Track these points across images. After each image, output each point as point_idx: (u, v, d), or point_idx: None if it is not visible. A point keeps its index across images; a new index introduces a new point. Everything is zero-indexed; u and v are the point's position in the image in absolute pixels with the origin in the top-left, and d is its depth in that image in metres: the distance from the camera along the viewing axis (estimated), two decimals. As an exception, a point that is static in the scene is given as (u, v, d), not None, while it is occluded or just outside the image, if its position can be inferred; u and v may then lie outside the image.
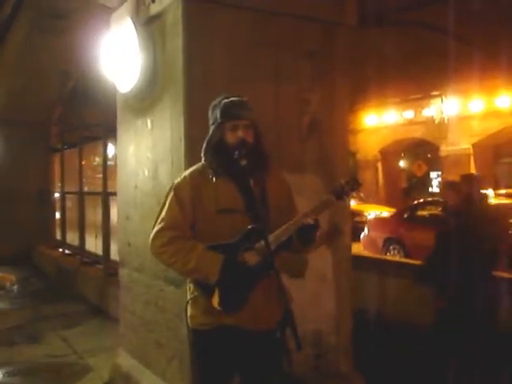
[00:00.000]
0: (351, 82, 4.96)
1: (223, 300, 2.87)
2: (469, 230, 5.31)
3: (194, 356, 3.18)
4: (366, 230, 13.96)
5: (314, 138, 4.64)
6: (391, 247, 12.85)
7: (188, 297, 3.05)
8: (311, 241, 3.01)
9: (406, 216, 13.41)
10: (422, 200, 14.63)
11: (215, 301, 2.86)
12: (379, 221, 14.72)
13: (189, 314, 3.04)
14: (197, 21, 4.09)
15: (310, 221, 2.88)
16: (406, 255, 12.04)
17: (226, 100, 3.02)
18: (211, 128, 3.05)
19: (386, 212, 17.82)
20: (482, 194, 6.17)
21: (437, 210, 12.03)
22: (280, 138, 4.39)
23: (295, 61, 4.55)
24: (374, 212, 17.91)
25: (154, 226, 3.04)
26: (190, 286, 3.06)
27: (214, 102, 3.08)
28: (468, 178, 6.01)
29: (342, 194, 2.98)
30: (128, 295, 5.09)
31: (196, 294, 2.96)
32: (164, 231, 2.96)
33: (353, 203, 18.90)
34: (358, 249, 12.29)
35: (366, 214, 17.61)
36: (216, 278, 2.83)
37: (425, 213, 13.22)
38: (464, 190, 5.66)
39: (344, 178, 3.06)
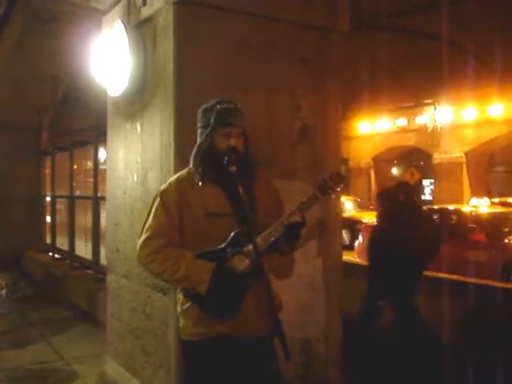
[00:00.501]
0: (344, 89, 4.93)
1: (216, 308, 2.84)
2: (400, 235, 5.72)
3: (185, 368, 3.14)
4: (360, 237, 13.93)
5: (305, 145, 4.60)
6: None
7: (178, 308, 3.01)
8: (296, 238, 2.97)
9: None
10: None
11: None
12: (371, 228, 14.67)
13: (180, 325, 3.00)
14: (188, 25, 4.05)
15: (298, 218, 2.85)
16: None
17: (219, 105, 2.98)
18: (200, 131, 3.02)
19: None
20: (417, 201, 6.56)
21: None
22: (271, 144, 4.36)
23: (288, 67, 4.51)
24: (372, 219, 17.74)
25: (140, 234, 3.00)
26: (179, 297, 3.01)
27: (205, 105, 3.04)
28: (403, 186, 6.29)
29: (326, 189, 2.93)
30: (115, 302, 5.02)
31: (187, 305, 2.92)
32: (151, 240, 2.93)
33: (351, 210, 18.67)
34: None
35: (364, 221, 17.42)
36: (206, 286, 2.79)
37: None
38: (399, 198, 5.92)
39: (326, 174, 3.01)
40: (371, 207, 20.51)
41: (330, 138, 4.78)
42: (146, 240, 2.94)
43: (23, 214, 13.01)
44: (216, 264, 2.82)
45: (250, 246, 2.79)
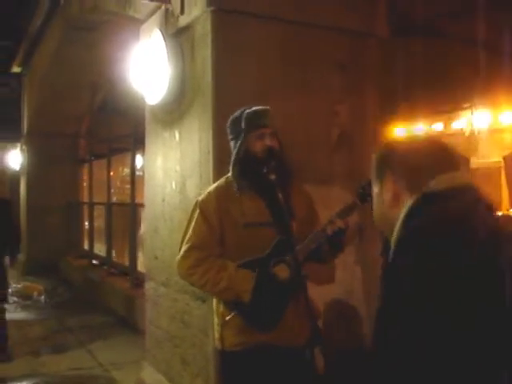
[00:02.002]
0: (381, 95, 4.88)
1: (259, 318, 2.83)
2: None
3: (223, 379, 3.12)
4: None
5: (343, 151, 4.56)
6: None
7: (217, 319, 2.99)
8: (340, 245, 2.95)
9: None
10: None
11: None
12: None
13: (219, 335, 2.96)
14: (226, 33, 4.06)
15: (341, 225, 2.81)
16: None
17: (248, 110, 2.98)
18: (233, 143, 3.02)
19: None
20: None
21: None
22: (309, 150, 4.33)
23: (325, 72, 4.49)
24: None
25: (181, 245, 3.00)
26: (218, 308, 2.99)
27: (232, 117, 3.05)
28: None
29: (365, 196, 2.87)
30: (154, 309, 5.04)
31: (229, 316, 2.89)
32: (191, 251, 2.92)
33: None
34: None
35: None
36: (249, 296, 2.78)
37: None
38: None
39: (364, 181, 2.97)
40: None
41: (367, 144, 4.72)
42: (186, 252, 2.93)
43: (61, 221, 13.17)
44: (258, 273, 2.80)
45: (291, 255, 2.77)
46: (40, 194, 12.92)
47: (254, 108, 2.99)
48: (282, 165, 2.92)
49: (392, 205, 1.68)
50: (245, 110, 2.99)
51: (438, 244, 1.47)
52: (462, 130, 22.32)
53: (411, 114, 22.02)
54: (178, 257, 2.97)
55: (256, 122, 2.94)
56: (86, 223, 12.80)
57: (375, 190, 1.77)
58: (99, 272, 10.74)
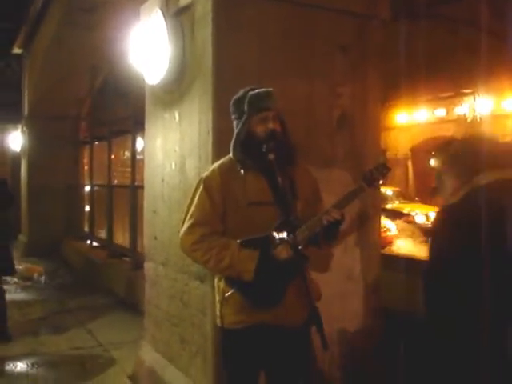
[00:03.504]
0: (383, 78, 4.86)
1: (260, 296, 2.85)
2: None
3: (222, 355, 3.14)
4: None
5: (344, 133, 4.55)
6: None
7: (218, 296, 3.01)
8: (335, 236, 2.99)
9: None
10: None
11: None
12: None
13: (219, 313, 2.99)
14: (227, 12, 4.03)
15: (337, 216, 2.82)
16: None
17: (252, 92, 2.97)
18: (235, 122, 3.02)
19: (434, 212, 16.65)
20: None
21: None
22: (309, 131, 4.32)
23: (327, 54, 4.46)
24: (420, 212, 16.60)
25: (183, 222, 3.00)
26: (219, 285, 3.01)
27: (236, 97, 3.05)
28: None
29: (372, 181, 2.92)
30: (153, 289, 5.06)
31: (229, 293, 2.92)
32: (195, 227, 2.92)
33: (395, 201, 17.66)
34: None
35: (412, 213, 16.39)
36: (252, 275, 2.80)
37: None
38: None
39: (372, 165, 3.01)
40: (417, 199, 19.88)
41: (369, 127, 4.72)
42: (189, 228, 2.93)
43: (62, 203, 13.22)
44: (260, 253, 2.81)
45: (292, 236, 2.78)
46: (41, 175, 12.95)
47: (257, 90, 2.98)
48: (283, 146, 2.92)
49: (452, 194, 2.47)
50: (248, 91, 2.99)
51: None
52: (464, 115, 22.32)
53: (414, 98, 21.97)
54: (182, 232, 2.96)
55: (259, 104, 2.93)
56: (87, 205, 12.82)
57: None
58: (100, 254, 10.79)
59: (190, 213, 2.97)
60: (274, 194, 2.88)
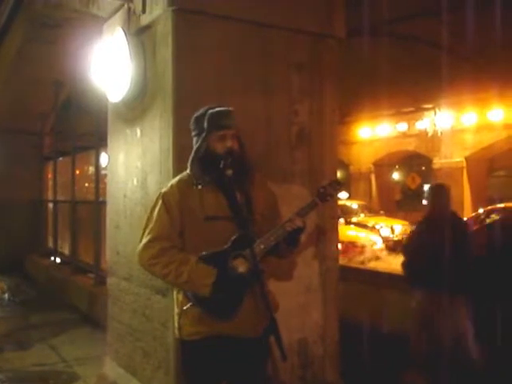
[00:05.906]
0: (343, 94, 5.00)
1: (217, 308, 2.92)
2: None
3: (182, 367, 3.20)
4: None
5: (302, 149, 4.68)
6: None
7: (176, 309, 3.08)
8: (297, 243, 3.11)
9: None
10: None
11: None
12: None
13: (178, 325, 3.06)
14: (186, 32, 4.13)
15: (300, 223, 2.95)
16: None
17: (212, 110, 3.06)
18: (195, 139, 3.10)
19: (398, 225, 16.68)
20: None
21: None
22: (269, 148, 4.44)
23: (284, 72, 4.59)
24: (385, 225, 16.62)
25: (141, 237, 3.05)
26: (178, 297, 3.08)
27: (196, 114, 3.13)
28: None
29: (325, 196, 3.09)
30: (116, 304, 5.09)
31: (188, 305, 2.98)
32: (154, 242, 2.97)
33: (360, 215, 17.53)
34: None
35: (376, 227, 16.35)
36: (209, 290, 2.86)
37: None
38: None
39: (325, 181, 3.16)
40: (382, 212, 20.02)
41: (326, 143, 4.85)
42: (148, 242, 2.98)
43: (25, 219, 13.04)
44: (218, 269, 2.89)
45: (249, 249, 2.87)
46: (3, 190, 12.75)
47: (217, 108, 3.06)
48: (240, 163, 3.01)
49: None
50: (208, 109, 3.07)
51: None
52: (425, 130, 22.72)
53: (376, 113, 22.30)
54: (140, 247, 3.01)
55: (218, 122, 3.02)
56: (51, 221, 12.71)
57: None
58: (64, 270, 10.71)
59: (149, 227, 3.03)
60: (231, 209, 2.96)
